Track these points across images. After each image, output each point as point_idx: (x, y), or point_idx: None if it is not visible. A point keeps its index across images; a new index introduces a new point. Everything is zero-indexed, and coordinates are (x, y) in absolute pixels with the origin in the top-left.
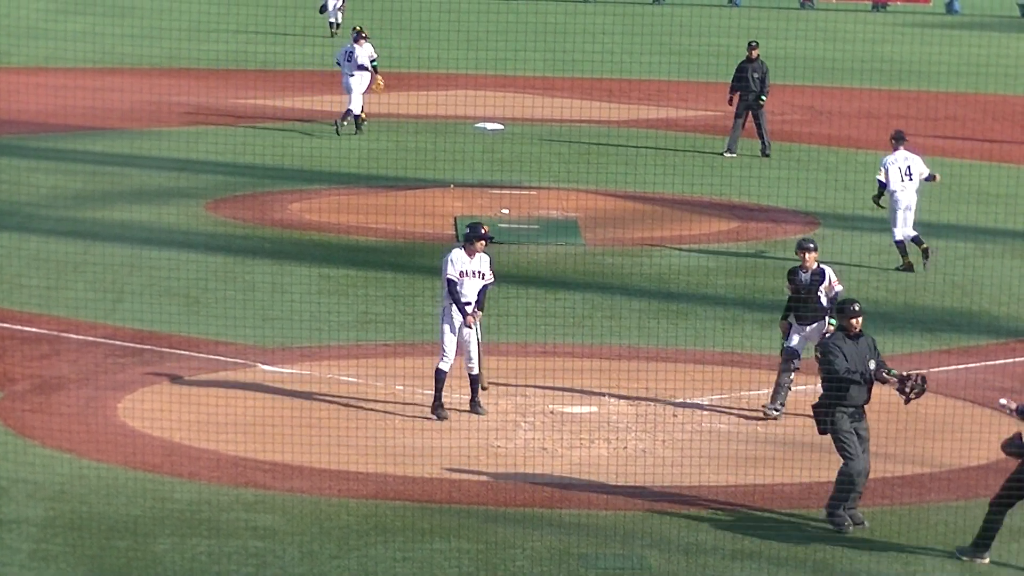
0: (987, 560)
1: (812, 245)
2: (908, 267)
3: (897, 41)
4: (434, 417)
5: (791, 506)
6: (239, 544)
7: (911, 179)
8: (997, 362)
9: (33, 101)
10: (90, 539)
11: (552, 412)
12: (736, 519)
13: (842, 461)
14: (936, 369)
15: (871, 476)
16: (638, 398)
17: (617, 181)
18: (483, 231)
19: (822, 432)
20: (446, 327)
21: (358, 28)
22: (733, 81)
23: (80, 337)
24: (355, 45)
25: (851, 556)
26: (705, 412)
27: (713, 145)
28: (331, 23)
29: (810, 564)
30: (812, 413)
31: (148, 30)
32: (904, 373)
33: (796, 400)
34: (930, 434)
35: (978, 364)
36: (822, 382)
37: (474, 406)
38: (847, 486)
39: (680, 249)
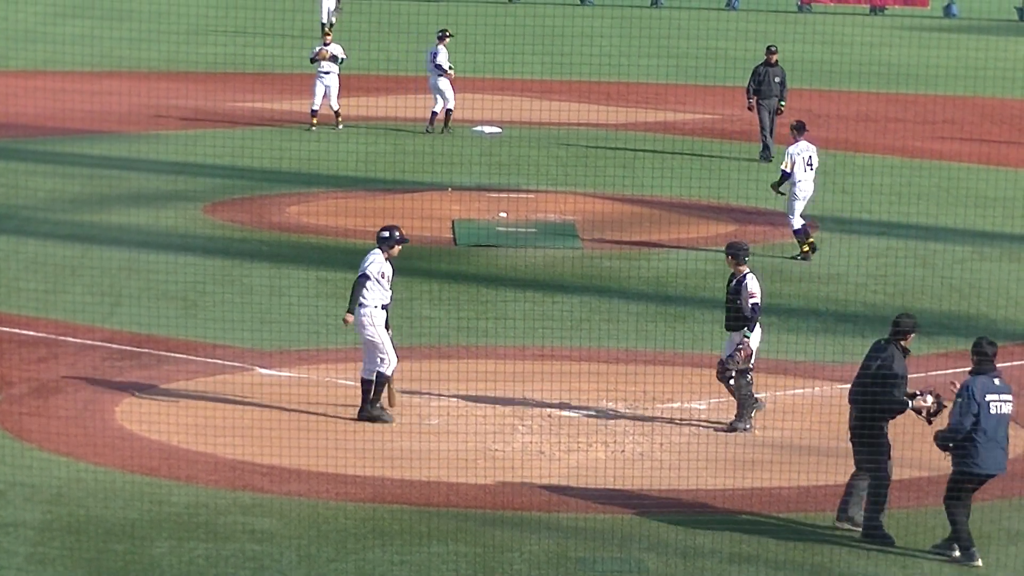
0: (979, 563)
1: (731, 251)
2: (806, 256)
3: (895, 44)
4: (386, 420)
5: (789, 510)
6: (236, 547)
7: (812, 169)
8: None
9: (31, 104)
10: (87, 542)
11: (550, 415)
12: (734, 523)
13: (876, 474)
14: (934, 372)
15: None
16: (635, 402)
17: (615, 184)
18: (399, 235)
19: (857, 439)
20: (380, 331)
21: (444, 28)
22: (752, 85)
23: (78, 340)
24: (440, 46)
25: (849, 560)
26: (703, 415)
27: (711, 148)
28: (323, 24)
29: (808, 567)
30: (858, 421)
31: (146, 33)
32: (919, 393)
33: (795, 404)
34: (927, 437)
35: None
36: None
37: (378, 412)
38: (884, 496)
39: (678, 252)
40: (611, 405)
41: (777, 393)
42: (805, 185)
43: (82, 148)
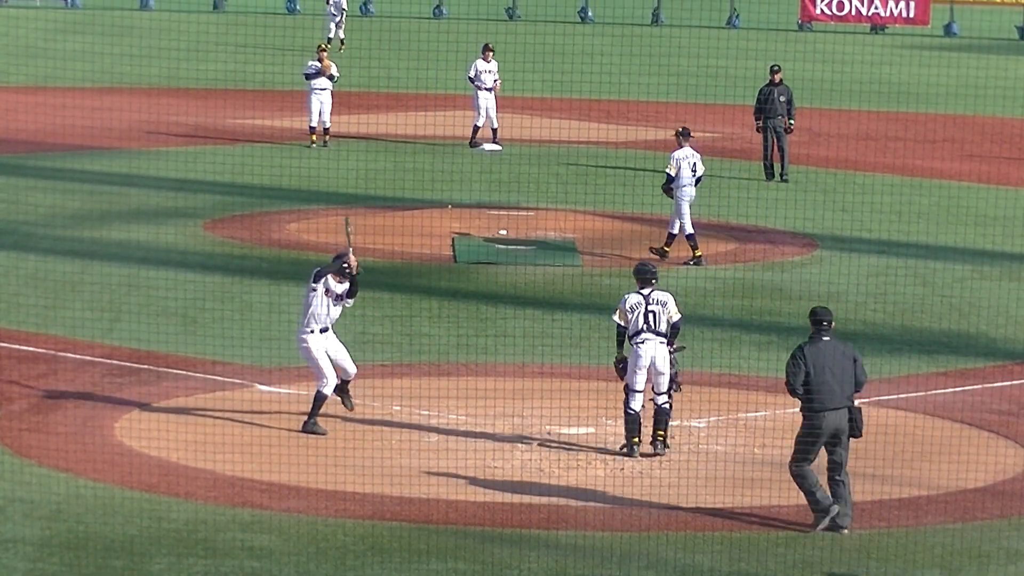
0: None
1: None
2: (698, 260)
3: (895, 63)
4: (316, 430)
5: (788, 528)
6: (235, 564)
7: (695, 174)
8: (995, 384)
9: (31, 120)
10: (86, 558)
11: (549, 433)
12: (733, 541)
13: None
14: (933, 392)
15: (870, 499)
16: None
17: (615, 202)
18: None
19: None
20: (317, 351)
21: (487, 43)
22: (758, 105)
23: (77, 356)
24: (479, 59)
25: None
26: (702, 434)
27: (710, 167)
28: (330, 39)
29: None
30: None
31: (146, 50)
32: None
33: (794, 422)
34: (927, 456)
35: (975, 386)
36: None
37: (345, 399)
38: None
39: (677, 270)
40: (610, 423)
41: (776, 411)
42: (688, 190)
43: (82, 164)
